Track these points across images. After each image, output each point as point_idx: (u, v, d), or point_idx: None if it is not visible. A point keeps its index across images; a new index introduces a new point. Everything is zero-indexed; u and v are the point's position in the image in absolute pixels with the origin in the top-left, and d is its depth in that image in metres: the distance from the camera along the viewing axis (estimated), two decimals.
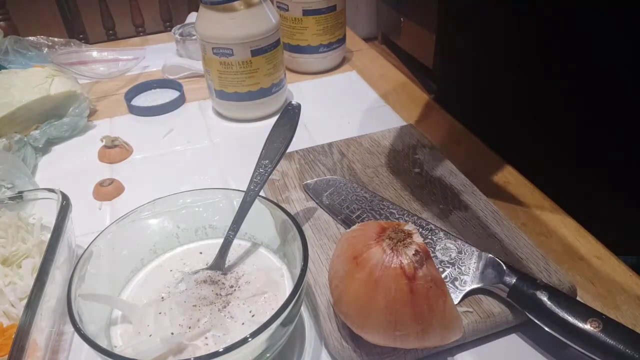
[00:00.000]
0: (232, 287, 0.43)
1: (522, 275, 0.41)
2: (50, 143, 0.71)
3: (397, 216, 0.50)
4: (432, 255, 0.41)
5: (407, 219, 0.50)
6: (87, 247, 0.41)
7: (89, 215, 0.58)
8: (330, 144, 0.64)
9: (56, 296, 0.44)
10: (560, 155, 0.63)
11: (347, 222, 0.51)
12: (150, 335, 0.39)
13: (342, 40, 0.87)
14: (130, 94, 0.81)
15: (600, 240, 0.50)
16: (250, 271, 0.45)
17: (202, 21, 0.69)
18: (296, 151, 0.62)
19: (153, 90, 0.84)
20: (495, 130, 0.66)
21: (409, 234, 0.35)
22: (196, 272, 0.44)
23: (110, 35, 1.60)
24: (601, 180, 0.62)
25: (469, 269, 0.43)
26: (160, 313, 0.41)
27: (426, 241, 0.46)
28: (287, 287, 0.43)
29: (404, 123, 0.72)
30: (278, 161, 0.47)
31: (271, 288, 0.43)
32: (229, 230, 0.45)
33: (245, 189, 0.46)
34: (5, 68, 0.81)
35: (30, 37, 0.86)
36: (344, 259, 0.37)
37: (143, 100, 0.82)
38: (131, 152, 0.69)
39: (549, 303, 0.38)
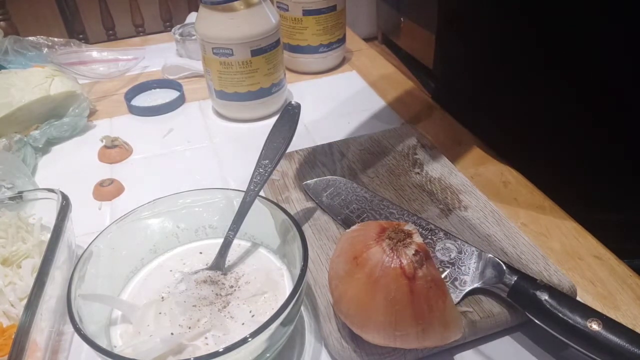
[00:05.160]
0: (232, 287, 0.43)
1: (522, 275, 0.41)
2: (50, 143, 0.71)
3: (397, 216, 0.50)
4: (432, 255, 0.41)
5: (407, 219, 0.50)
6: (87, 247, 0.41)
7: (89, 215, 0.58)
8: (330, 144, 0.64)
9: (56, 296, 0.44)
10: (561, 155, 0.63)
11: (347, 222, 0.51)
12: (150, 335, 0.39)
13: (342, 40, 0.87)
14: (130, 94, 0.81)
15: (600, 241, 0.50)
16: (250, 271, 0.45)
17: (202, 21, 0.69)
18: (296, 151, 0.62)
19: (153, 90, 0.84)
20: (494, 130, 0.66)
21: (409, 234, 0.35)
22: (196, 272, 0.44)
23: (110, 35, 1.60)
24: (601, 181, 0.62)
25: (469, 269, 0.43)
26: (160, 313, 0.41)
27: (426, 241, 0.46)
28: (287, 287, 0.43)
29: (404, 123, 0.72)
30: (278, 161, 0.47)
31: (271, 288, 0.43)
32: (229, 230, 0.45)
33: (245, 189, 0.46)
34: (5, 68, 0.81)
35: (30, 37, 0.86)
36: (344, 259, 0.37)
37: (143, 100, 0.82)
38: (131, 152, 0.69)
39: (549, 303, 0.38)
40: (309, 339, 0.43)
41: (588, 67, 0.57)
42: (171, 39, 0.94)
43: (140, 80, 0.85)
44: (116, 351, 0.38)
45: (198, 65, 0.84)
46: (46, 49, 0.85)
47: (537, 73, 0.61)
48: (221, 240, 0.46)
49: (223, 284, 0.43)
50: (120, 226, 0.44)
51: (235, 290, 0.43)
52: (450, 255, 0.45)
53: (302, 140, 0.68)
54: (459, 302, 0.42)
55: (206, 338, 0.39)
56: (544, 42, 0.59)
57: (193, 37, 0.89)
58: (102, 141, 0.68)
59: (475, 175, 0.60)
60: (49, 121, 0.71)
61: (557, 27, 0.57)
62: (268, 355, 0.38)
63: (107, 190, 0.61)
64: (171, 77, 0.86)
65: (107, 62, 0.90)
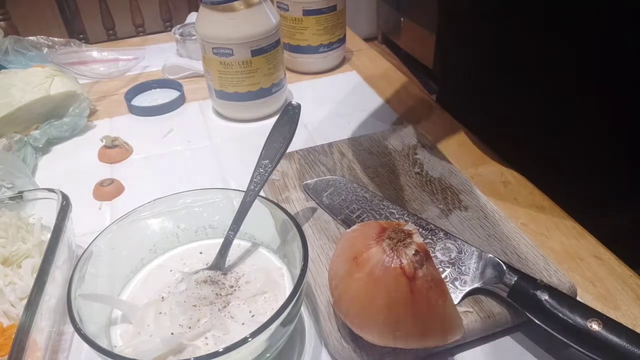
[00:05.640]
0: (232, 287, 0.43)
1: (522, 275, 0.41)
2: (50, 143, 0.71)
3: (397, 216, 0.50)
4: (432, 255, 0.41)
5: (407, 219, 0.50)
6: (87, 247, 0.41)
7: (89, 215, 0.58)
8: (330, 144, 0.64)
9: (56, 296, 0.44)
10: (561, 155, 0.63)
11: (347, 222, 0.51)
12: (151, 335, 0.39)
13: (342, 40, 0.87)
14: (130, 94, 0.81)
15: (600, 241, 0.50)
16: (250, 271, 0.45)
17: (202, 21, 0.69)
18: (296, 151, 0.62)
19: (153, 90, 0.84)
20: (494, 130, 0.66)
21: (409, 234, 0.35)
22: (196, 272, 0.44)
23: (110, 35, 1.60)
24: (602, 181, 0.62)
25: (469, 269, 0.43)
26: (160, 313, 0.41)
27: (426, 241, 0.46)
28: (287, 287, 0.43)
29: (404, 123, 0.72)
30: (278, 161, 0.47)
31: (271, 288, 0.43)
32: (229, 230, 0.45)
33: (245, 189, 0.46)
34: (5, 68, 0.81)
35: (30, 37, 0.86)
36: (344, 259, 0.37)
37: (143, 100, 0.82)
38: (131, 152, 0.69)
39: (549, 303, 0.38)
40: (309, 339, 0.43)
41: (589, 66, 0.57)
42: (171, 39, 0.94)
43: (140, 80, 0.85)
44: (116, 351, 0.38)
45: (198, 65, 0.84)
46: (46, 49, 0.85)
47: (538, 73, 0.61)
48: (221, 240, 0.46)
49: (223, 284, 0.43)
50: (120, 226, 0.44)
51: (235, 290, 0.43)
52: (450, 255, 0.45)
53: (302, 140, 0.68)
54: (459, 302, 0.42)
55: (206, 338, 0.39)
56: (544, 42, 0.59)
57: (193, 37, 0.89)
58: (102, 141, 0.68)
59: (475, 175, 0.60)
60: (49, 121, 0.71)
61: (558, 27, 0.57)
62: (268, 355, 0.38)
63: (107, 190, 0.61)
64: (171, 77, 0.86)
65: (107, 62, 0.90)
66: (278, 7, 0.82)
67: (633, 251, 0.51)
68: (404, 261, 0.34)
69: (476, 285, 0.42)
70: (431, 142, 0.63)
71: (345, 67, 0.89)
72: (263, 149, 0.49)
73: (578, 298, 0.43)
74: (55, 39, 0.88)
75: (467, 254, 0.45)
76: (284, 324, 0.37)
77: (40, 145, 0.69)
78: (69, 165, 0.68)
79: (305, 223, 0.52)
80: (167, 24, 1.60)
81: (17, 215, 0.50)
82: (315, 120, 0.74)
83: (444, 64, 0.82)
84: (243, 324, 0.40)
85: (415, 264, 0.34)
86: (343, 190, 0.54)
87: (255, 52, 0.68)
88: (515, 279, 0.40)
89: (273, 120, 0.51)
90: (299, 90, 0.83)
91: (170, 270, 0.46)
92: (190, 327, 0.39)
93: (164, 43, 1.01)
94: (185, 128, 0.74)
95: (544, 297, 0.38)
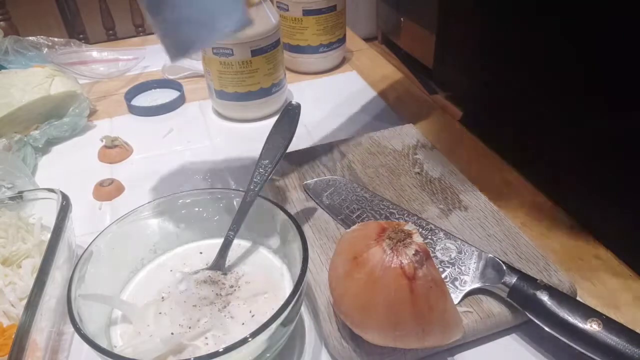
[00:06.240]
0: (232, 287, 0.43)
1: (522, 275, 0.41)
2: (50, 143, 0.71)
3: (397, 216, 0.50)
4: (432, 255, 0.41)
5: (407, 219, 0.50)
6: (87, 247, 0.41)
7: (89, 215, 0.58)
8: (330, 144, 0.64)
9: (56, 296, 0.44)
10: (561, 155, 0.63)
11: (347, 222, 0.51)
12: (151, 335, 0.39)
13: (342, 40, 0.87)
14: (130, 94, 0.81)
15: (600, 241, 0.50)
16: (250, 271, 0.45)
17: None
18: (296, 151, 0.62)
19: (153, 90, 0.84)
20: (494, 130, 0.66)
21: (409, 234, 0.35)
22: (196, 272, 0.44)
23: (110, 35, 1.60)
24: (602, 181, 0.62)
25: (469, 269, 0.43)
26: (160, 313, 0.41)
27: (426, 241, 0.46)
28: (287, 287, 0.43)
29: (404, 123, 0.72)
30: (278, 161, 0.47)
31: (271, 288, 0.43)
32: (229, 230, 0.45)
33: (245, 189, 0.46)
34: (5, 68, 0.81)
35: (30, 37, 0.86)
36: (344, 259, 0.37)
37: (143, 100, 0.82)
38: (131, 152, 0.69)
39: (549, 303, 0.38)
40: (309, 339, 0.43)
41: (591, 67, 0.56)
42: None
43: (140, 80, 0.85)
44: (116, 351, 0.38)
45: (198, 65, 0.84)
46: (46, 49, 0.86)
47: (539, 73, 0.61)
48: (221, 240, 0.46)
49: (223, 283, 0.43)
50: (120, 226, 0.44)
51: (235, 290, 0.43)
52: (450, 255, 0.45)
53: (302, 140, 0.68)
54: (459, 302, 0.42)
55: (206, 338, 0.39)
56: (544, 42, 0.59)
57: None
58: (102, 141, 0.68)
59: (475, 175, 0.60)
60: (49, 121, 0.71)
61: (559, 26, 0.57)
62: (268, 355, 0.38)
63: (107, 190, 0.61)
64: (171, 77, 0.86)
65: (107, 62, 0.90)
66: (278, 7, 0.82)
67: (633, 251, 0.51)
68: (404, 261, 0.34)
69: (476, 285, 0.42)
70: (431, 142, 0.63)
71: (345, 67, 0.89)
72: (263, 149, 0.49)
73: (578, 298, 0.43)
74: (55, 39, 0.88)
75: (467, 254, 0.45)
76: (284, 324, 0.37)
77: (40, 145, 0.69)
78: (69, 165, 0.68)
79: (305, 223, 0.52)
80: None
81: (17, 215, 0.50)
82: (315, 120, 0.74)
83: (443, 63, 0.82)
84: (243, 324, 0.40)
85: (415, 264, 0.34)
86: (343, 190, 0.54)
87: (255, 52, 0.68)
88: (515, 279, 0.40)
89: (273, 120, 0.51)
90: (299, 90, 0.83)
91: (170, 270, 0.46)
92: (190, 327, 0.39)
93: None
94: (185, 128, 0.74)
95: (544, 297, 0.38)
